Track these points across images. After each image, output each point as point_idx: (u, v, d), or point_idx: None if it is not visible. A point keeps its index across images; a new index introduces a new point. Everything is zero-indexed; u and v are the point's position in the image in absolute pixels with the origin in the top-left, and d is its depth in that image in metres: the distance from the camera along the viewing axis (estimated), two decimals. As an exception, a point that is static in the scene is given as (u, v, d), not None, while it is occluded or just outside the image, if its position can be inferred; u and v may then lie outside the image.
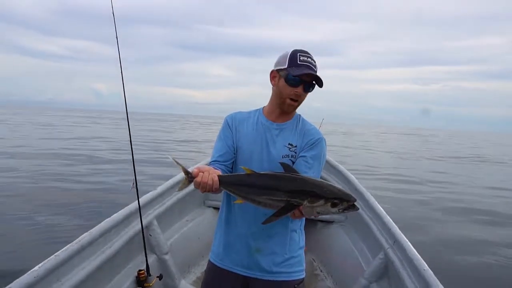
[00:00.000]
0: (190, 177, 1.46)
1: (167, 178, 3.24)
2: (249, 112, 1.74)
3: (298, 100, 1.60)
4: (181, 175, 3.40)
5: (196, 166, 1.63)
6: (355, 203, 1.40)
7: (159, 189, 3.04)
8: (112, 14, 2.39)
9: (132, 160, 2.54)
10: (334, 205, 1.35)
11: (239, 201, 1.49)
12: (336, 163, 4.18)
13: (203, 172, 1.41)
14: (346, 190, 1.51)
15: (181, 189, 1.59)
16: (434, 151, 27.74)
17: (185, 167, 1.51)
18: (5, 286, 1.57)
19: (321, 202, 1.35)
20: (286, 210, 1.39)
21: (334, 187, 1.44)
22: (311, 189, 1.38)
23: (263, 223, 1.44)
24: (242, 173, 1.49)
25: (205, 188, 1.41)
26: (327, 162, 4.26)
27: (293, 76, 1.54)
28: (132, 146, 2.58)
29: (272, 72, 1.63)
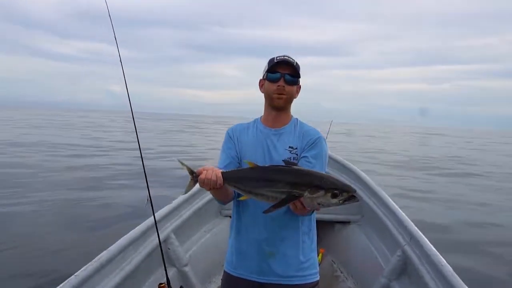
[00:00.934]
0: (195, 176, 1.51)
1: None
2: (248, 123, 1.80)
3: (284, 93, 1.64)
4: (196, 187, 3.43)
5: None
6: (355, 194, 1.41)
7: (175, 202, 3.08)
8: (109, 16, 2.47)
9: (144, 174, 2.56)
10: (334, 195, 1.36)
11: (244, 197, 1.53)
12: (348, 163, 4.16)
13: (206, 170, 1.46)
14: (347, 181, 1.49)
15: (187, 190, 1.63)
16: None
17: (190, 167, 1.55)
18: None
19: (321, 193, 1.37)
20: (287, 201, 1.41)
21: (334, 178, 1.45)
22: (311, 180, 1.40)
23: (264, 211, 1.46)
24: (246, 167, 1.55)
25: (210, 185, 1.46)
26: (339, 162, 4.24)
27: (271, 72, 1.63)
28: (143, 159, 2.58)
29: (260, 81, 1.73)
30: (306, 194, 1.38)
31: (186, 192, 1.67)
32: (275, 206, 1.42)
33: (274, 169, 1.51)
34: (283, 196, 1.41)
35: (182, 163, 1.57)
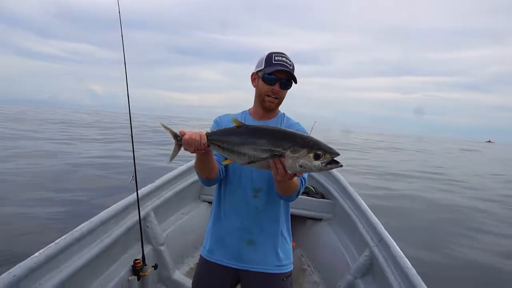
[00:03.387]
0: (179, 140, 1.46)
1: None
2: (236, 114, 1.81)
3: (277, 97, 1.67)
4: (178, 170, 3.51)
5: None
6: (338, 159, 1.32)
7: (157, 182, 3.13)
8: (119, 18, 2.46)
9: (132, 153, 2.61)
10: (316, 156, 1.28)
11: (227, 161, 1.48)
12: None
13: (190, 131, 1.44)
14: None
15: (172, 157, 1.54)
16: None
17: (174, 131, 1.50)
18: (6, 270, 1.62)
19: (304, 151, 1.29)
20: (268, 158, 1.35)
21: (319, 140, 1.35)
22: (293, 139, 1.33)
23: (243, 164, 1.43)
24: (230, 127, 1.50)
25: (194, 146, 1.42)
26: None
27: (268, 74, 1.63)
28: (133, 139, 2.65)
29: (252, 74, 1.73)
30: (287, 153, 1.31)
31: (171, 160, 1.56)
32: (253, 161, 1.37)
33: (258, 128, 1.44)
34: (266, 155, 1.35)
35: (166, 127, 1.52)
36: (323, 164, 1.29)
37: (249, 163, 1.39)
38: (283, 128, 1.47)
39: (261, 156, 1.36)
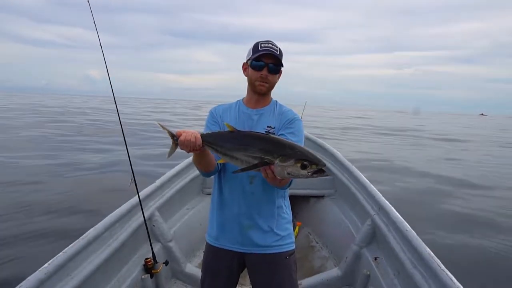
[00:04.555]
0: (176, 139, 1.55)
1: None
2: (230, 104, 1.88)
3: (267, 82, 1.73)
4: (176, 168, 3.55)
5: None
6: (324, 168, 1.40)
7: (158, 182, 3.18)
8: (88, 2, 2.44)
9: (128, 156, 2.64)
10: (303, 166, 1.37)
11: (221, 160, 1.57)
12: (322, 142, 4.41)
13: (186, 132, 1.52)
14: (320, 156, 1.50)
15: (170, 154, 1.63)
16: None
17: (171, 131, 1.59)
18: (17, 284, 1.64)
19: (291, 162, 1.38)
20: (257, 166, 1.44)
21: (307, 150, 1.44)
22: (283, 148, 1.42)
23: (233, 172, 1.54)
24: (225, 130, 1.59)
25: (189, 146, 1.50)
26: (315, 142, 4.48)
27: (256, 60, 1.70)
28: (127, 143, 2.67)
29: (243, 64, 1.80)
30: (277, 162, 1.40)
31: (169, 156, 1.64)
32: (244, 169, 1.46)
33: (250, 134, 1.54)
34: (255, 162, 1.44)
35: (163, 127, 1.60)
36: (309, 173, 1.38)
37: (241, 170, 1.47)
38: (274, 136, 1.58)
39: (252, 162, 1.45)
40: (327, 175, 1.46)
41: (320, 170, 1.39)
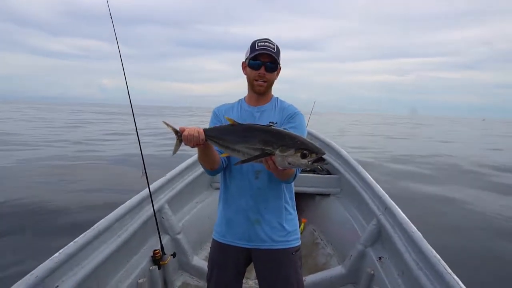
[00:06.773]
0: (180, 136, 1.60)
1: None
2: (233, 103, 1.91)
3: (265, 81, 1.76)
4: (186, 162, 3.61)
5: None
6: (324, 156, 1.43)
7: (168, 175, 3.24)
8: (109, 14, 2.47)
9: (140, 149, 2.70)
10: (303, 156, 1.40)
11: (225, 154, 1.61)
12: (329, 141, 4.42)
13: (189, 128, 1.57)
14: (319, 145, 1.52)
15: (175, 151, 1.68)
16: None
17: (175, 128, 1.63)
18: (28, 273, 1.68)
19: (292, 151, 1.41)
20: (259, 156, 1.47)
21: (307, 140, 1.48)
22: (283, 139, 1.45)
23: (235, 164, 1.59)
24: (226, 124, 1.63)
25: (193, 141, 1.55)
26: (323, 141, 4.51)
27: (253, 60, 1.73)
28: (139, 136, 2.73)
29: (242, 64, 1.82)
30: (277, 152, 1.43)
31: (174, 153, 1.70)
32: (245, 160, 1.49)
33: (250, 127, 1.57)
34: (257, 153, 1.47)
35: (167, 124, 1.65)
36: (309, 162, 1.41)
37: (242, 162, 1.50)
38: (275, 128, 1.60)
39: (253, 153, 1.48)
40: (327, 163, 1.47)
41: (320, 158, 1.41)
